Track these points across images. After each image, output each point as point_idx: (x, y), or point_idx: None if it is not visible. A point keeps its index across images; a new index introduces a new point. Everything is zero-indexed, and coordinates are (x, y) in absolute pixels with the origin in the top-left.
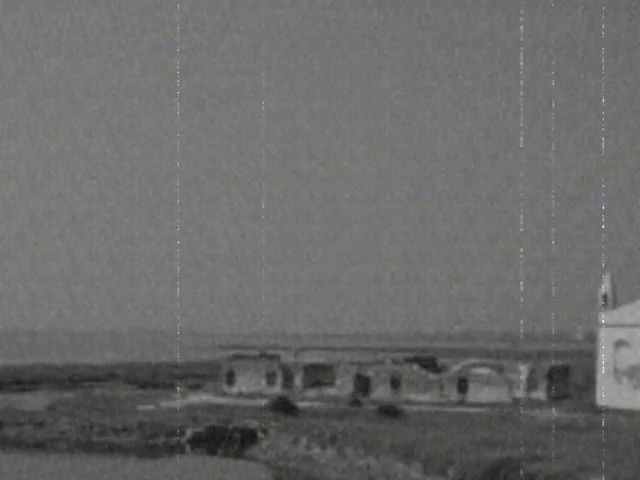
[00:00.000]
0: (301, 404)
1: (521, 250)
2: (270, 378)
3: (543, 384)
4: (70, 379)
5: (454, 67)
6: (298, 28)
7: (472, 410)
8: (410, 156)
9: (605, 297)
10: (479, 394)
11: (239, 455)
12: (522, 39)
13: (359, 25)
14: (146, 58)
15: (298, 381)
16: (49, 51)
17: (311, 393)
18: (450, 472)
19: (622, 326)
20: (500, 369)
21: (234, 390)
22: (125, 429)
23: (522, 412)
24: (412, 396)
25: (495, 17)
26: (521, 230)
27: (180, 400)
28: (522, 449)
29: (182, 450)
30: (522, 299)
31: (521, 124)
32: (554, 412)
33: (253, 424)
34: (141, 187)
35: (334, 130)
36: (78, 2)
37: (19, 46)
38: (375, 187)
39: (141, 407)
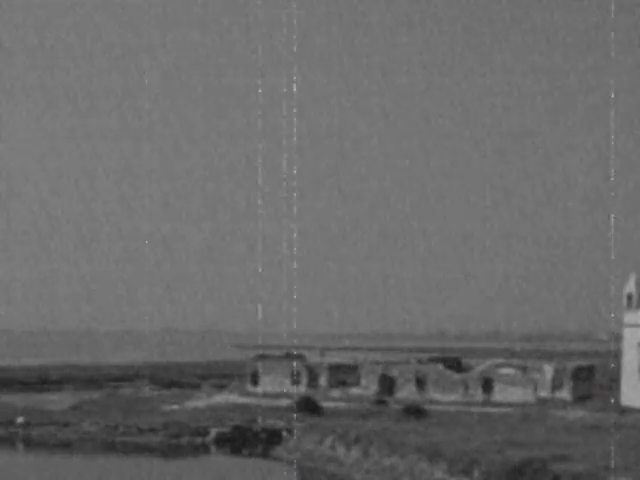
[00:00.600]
0: (326, 404)
1: (546, 249)
2: (295, 378)
3: (568, 384)
4: (95, 379)
5: (486, 64)
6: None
7: (497, 410)
8: (439, 148)
9: (630, 297)
10: (504, 394)
11: (264, 455)
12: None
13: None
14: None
15: (323, 381)
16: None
17: (336, 393)
18: (475, 472)
19: None
20: (525, 369)
21: (259, 390)
22: (150, 429)
23: (547, 412)
24: (437, 396)
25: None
26: (546, 229)
27: (205, 400)
28: (547, 449)
29: (207, 450)
30: (547, 299)
31: (539, 121)
32: (579, 412)
33: (278, 424)
34: (167, 183)
35: (360, 128)
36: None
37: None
38: (398, 186)
39: (166, 407)
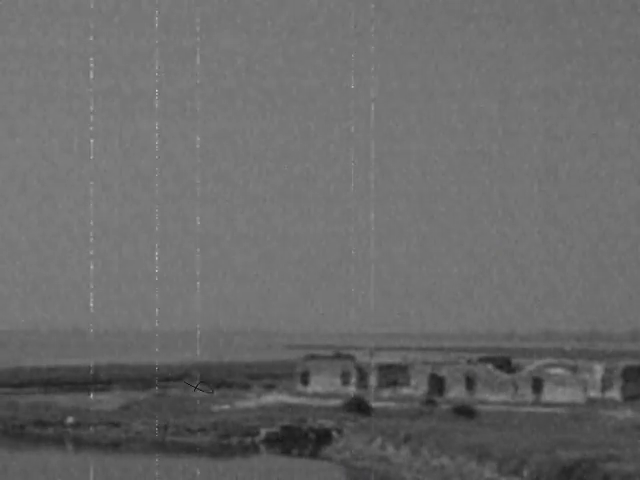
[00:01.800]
0: (375, 404)
1: (598, 248)
2: (345, 378)
3: (618, 384)
4: (144, 379)
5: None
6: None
7: (546, 410)
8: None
9: None
10: (554, 394)
11: (314, 455)
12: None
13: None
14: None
15: (373, 381)
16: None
17: (386, 393)
18: (525, 472)
19: None
20: (575, 369)
21: (309, 390)
22: (200, 429)
23: (597, 412)
24: (486, 396)
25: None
26: (597, 227)
27: (255, 400)
28: (597, 449)
29: (257, 450)
30: (598, 298)
31: (590, 120)
32: (629, 412)
33: (328, 424)
34: (223, 183)
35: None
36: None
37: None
38: (448, 186)
39: (216, 407)
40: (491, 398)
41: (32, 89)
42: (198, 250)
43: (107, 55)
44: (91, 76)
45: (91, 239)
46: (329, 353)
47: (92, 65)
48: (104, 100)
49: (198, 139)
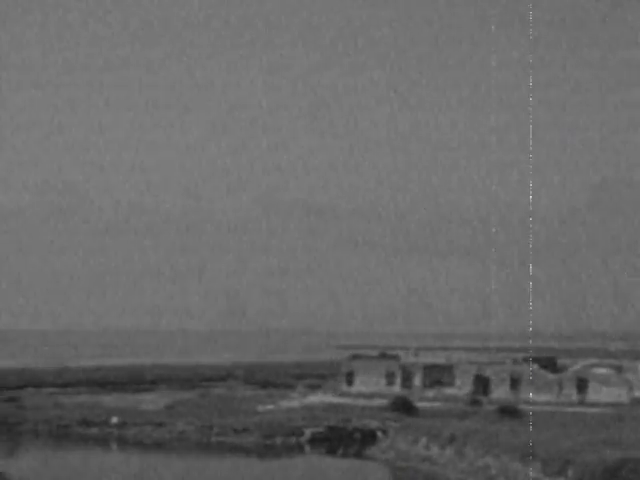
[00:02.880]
0: (420, 404)
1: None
2: (389, 378)
3: None
4: (188, 379)
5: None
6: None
7: (591, 410)
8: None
9: None
10: (598, 394)
11: (358, 455)
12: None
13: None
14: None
15: (417, 381)
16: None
17: (430, 393)
18: (569, 472)
19: None
20: (619, 369)
21: (353, 390)
22: (245, 429)
23: None
24: (531, 396)
25: None
26: None
27: (300, 400)
28: None
29: (301, 450)
30: None
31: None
32: None
33: (372, 424)
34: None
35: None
36: None
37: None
38: (498, 184)
39: (260, 407)
40: (536, 398)
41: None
42: (243, 246)
43: None
44: None
45: (136, 236)
46: (374, 353)
47: None
48: None
49: None
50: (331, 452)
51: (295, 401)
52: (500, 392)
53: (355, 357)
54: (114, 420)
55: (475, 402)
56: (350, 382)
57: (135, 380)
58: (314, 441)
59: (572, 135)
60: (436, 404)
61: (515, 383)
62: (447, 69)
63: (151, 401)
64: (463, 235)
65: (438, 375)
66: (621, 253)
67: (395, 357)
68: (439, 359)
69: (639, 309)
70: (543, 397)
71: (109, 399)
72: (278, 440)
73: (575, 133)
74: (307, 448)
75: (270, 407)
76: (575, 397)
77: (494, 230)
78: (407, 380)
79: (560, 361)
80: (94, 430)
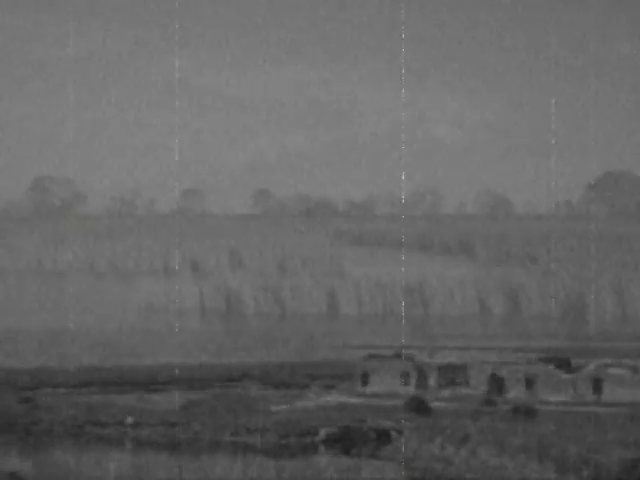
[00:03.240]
0: (435, 404)
1: None
2: (404, 378)
3: None
4: (203, 379)
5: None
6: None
7: (606, 410)
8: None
9: None
10: (614, 394)
11: (373, 455)
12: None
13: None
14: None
15: (432, 381)
16: None
17: (445, 393)
18: (584, 472)
19: None
20: (635, 369)
21: (368, 390)
22: (259, 429)
23: None
24: (546, 396)
25: None
26: None
27: (314, 400)
28: None
29: (316, 450)
30: None
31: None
32: None
33: (387, 424)
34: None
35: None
36: None
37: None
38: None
39: (275, 407)
40: (551, 398)
41: None
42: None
43: None
44: None
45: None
46: (389, 353)
47: None
48: None
49: None
50: (345, 452)
51: (310, 401)
52: (515, 392)
53: (370, 357)
54: (129, 420)
55: (490, 402)
56: (365, 382)
57: (149, 379)
58: (328, 441)
59: (570, 131)
60: (451, 404)
61: (530, 383)
62: (444, 63)
63: (166, 401)
64: (465, 232)
65: (453, 375)
66: (631, 252)
67: (410, 357)
68: (454, 359)
69: None
70: (558, 397)
71: (123, 399)
72: (292, 440)
73: (574, 129)
74: (321, 448)
75: (284, 407)
76: (590, 397)
77: (499, 226)
78: (422, 380)
79: (575, 361)
80: (108, 430)
